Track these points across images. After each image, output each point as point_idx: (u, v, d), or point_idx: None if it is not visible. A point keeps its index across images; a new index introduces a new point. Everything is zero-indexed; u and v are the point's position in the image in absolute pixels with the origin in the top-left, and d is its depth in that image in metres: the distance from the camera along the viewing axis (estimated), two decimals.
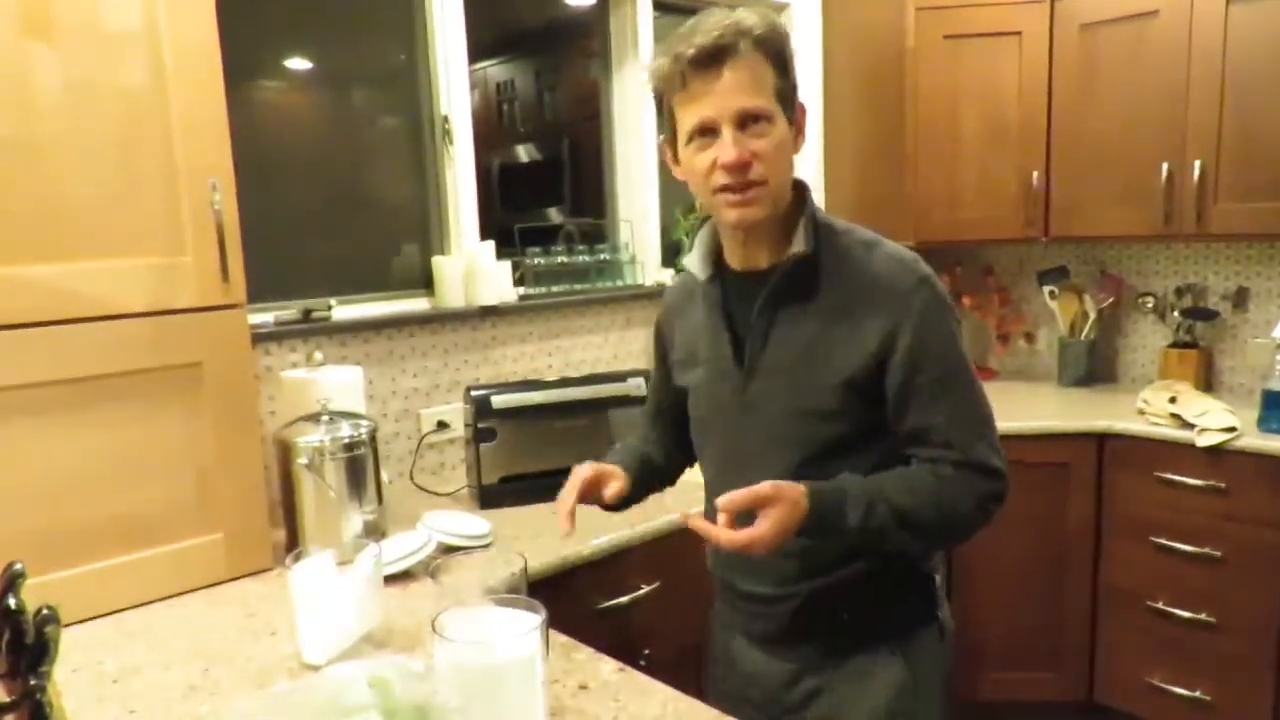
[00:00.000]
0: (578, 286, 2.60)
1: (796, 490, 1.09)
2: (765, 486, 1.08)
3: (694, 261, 1.29)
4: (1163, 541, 2.39)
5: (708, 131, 1.13)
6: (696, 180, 1.18)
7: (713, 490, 1.32)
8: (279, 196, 2.12)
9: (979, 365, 3.12)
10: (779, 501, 1.07)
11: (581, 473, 1.27)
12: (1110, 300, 2.99)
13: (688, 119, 1.15)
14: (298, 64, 2.23)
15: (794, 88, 1.17)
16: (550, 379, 2.27)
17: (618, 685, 1.18)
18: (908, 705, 1.26)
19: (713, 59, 1.10)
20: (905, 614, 1.30)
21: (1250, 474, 2.25)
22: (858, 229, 1.25)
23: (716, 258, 1.29)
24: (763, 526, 1.07)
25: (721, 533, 1.08)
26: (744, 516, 1.09)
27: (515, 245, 2.53)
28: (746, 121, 1.12)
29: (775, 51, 1.14)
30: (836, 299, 1.19)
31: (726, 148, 1.11)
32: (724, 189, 1.14)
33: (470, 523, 1.74)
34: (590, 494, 1.28)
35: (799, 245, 1.19)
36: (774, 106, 1.14)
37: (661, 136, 1.25)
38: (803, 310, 1.20)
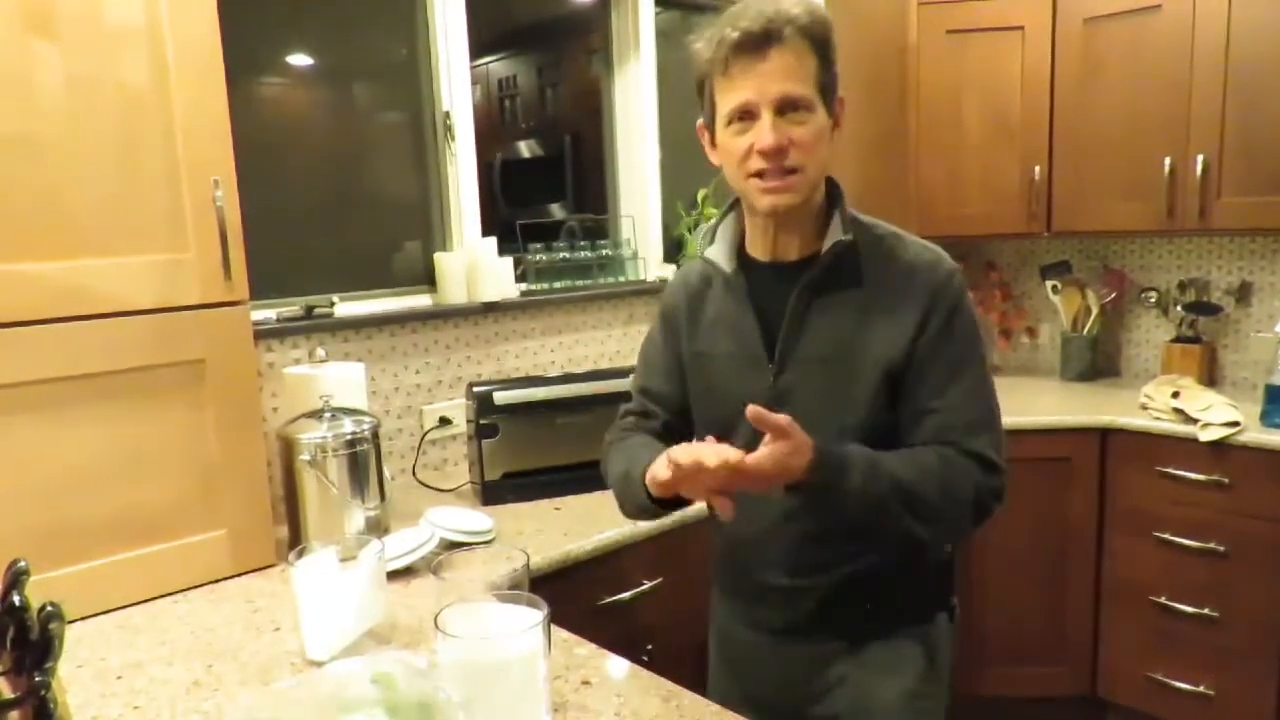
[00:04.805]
0: (580, 282, 2.60)
1: (807, 439, 1.05)
2: (784, 417, 1.03)
3: (718, 253, 1.27)
4: (1166, 536, 2.39)
5: (747, 115, 1.13)
6: (731, 164, 1.18)
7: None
8: (281, 193, 2.12)
9: None
10: (790, 438, 1.03)
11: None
12: (1113, 295, 2.99)
13: (728, 101, 1.14)
14: (299, 60, 2.22)
15: (835, 79, 1.17)
16: (553, 375, 2.27)
17: (620, 681, 1.18)
18: (925, 690, 1.27)
19: (758, 44, 1.10)
20: (925, 600, 1.30)
21: (1253, 469, 2.25)
22: (880, 222, 1.25)
23: (739, 250, 1.28)
24: (762, 454, 1.03)
25: (727, 450, 1.03)
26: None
27: (517, 241, 2.53)
28: (786, 108, 1.12)
29: (820, 41, 1.13)
30: (875, 289, 1.19)
31: (765, 132, 1.11)
32: (758, 174, 1.14)
33: (473, 519, 1.74)
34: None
35: (838, 234, 1.18)
36: (815, 95, 1.13)
37: (699, 120, 1.23)
38: (840, 300, 1.19)
